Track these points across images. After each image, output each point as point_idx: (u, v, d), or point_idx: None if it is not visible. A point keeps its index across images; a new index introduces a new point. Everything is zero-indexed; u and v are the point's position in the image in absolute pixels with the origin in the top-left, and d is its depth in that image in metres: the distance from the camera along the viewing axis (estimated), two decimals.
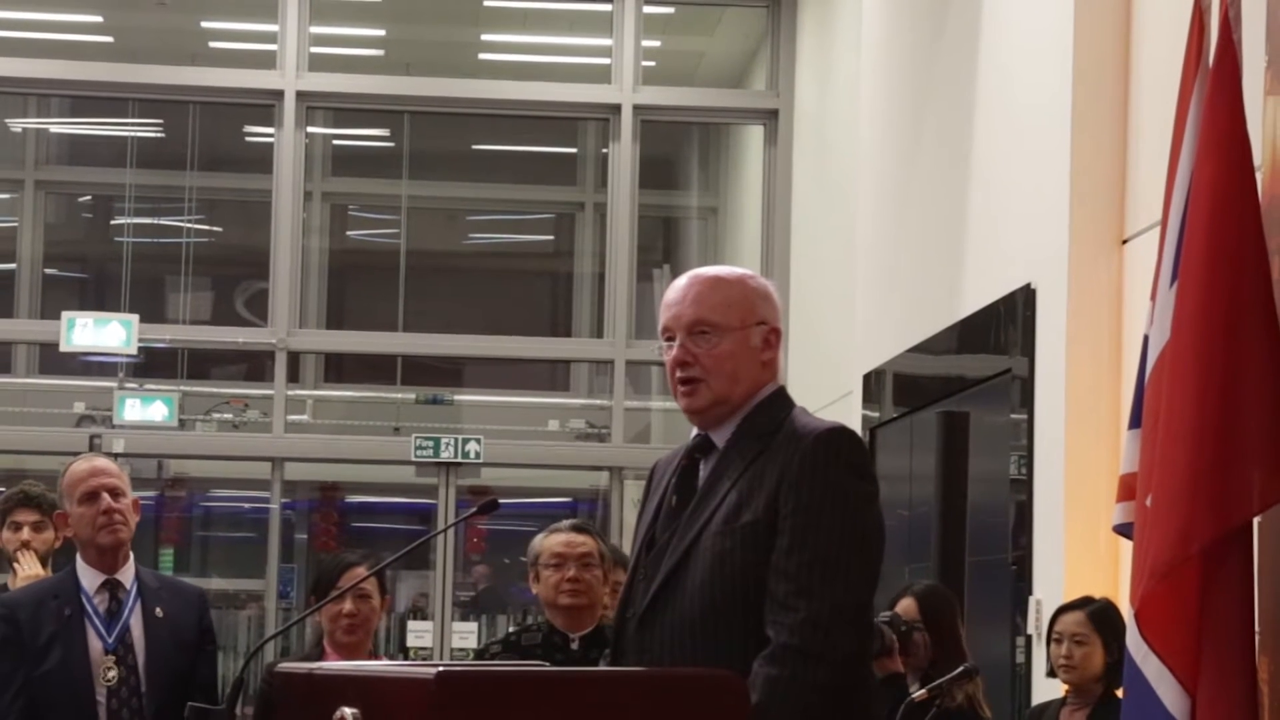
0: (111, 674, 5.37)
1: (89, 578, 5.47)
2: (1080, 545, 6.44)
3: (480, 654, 6.31)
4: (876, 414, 9.44)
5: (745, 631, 3.50)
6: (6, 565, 6.35)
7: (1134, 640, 4.31)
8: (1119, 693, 5.83)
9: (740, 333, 3.68)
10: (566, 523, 5.66)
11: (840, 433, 3.62)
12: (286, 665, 4.44)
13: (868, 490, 3.62)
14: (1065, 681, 5.96)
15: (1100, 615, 5.97)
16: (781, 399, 3.72)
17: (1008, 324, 7.41)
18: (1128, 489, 4.57)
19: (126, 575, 5.46)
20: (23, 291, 15.24)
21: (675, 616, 3.61)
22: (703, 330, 3.67)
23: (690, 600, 3.59)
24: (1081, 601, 6.09)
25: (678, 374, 3.68)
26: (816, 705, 3.42)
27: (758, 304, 3.72)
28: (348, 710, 3.33)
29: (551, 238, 17.17)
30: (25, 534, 6.22)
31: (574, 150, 15.78)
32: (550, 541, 5.53)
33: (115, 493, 5.51)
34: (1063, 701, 6.00)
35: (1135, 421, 4.54)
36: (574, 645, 5.44)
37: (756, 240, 13.82)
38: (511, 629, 6.26)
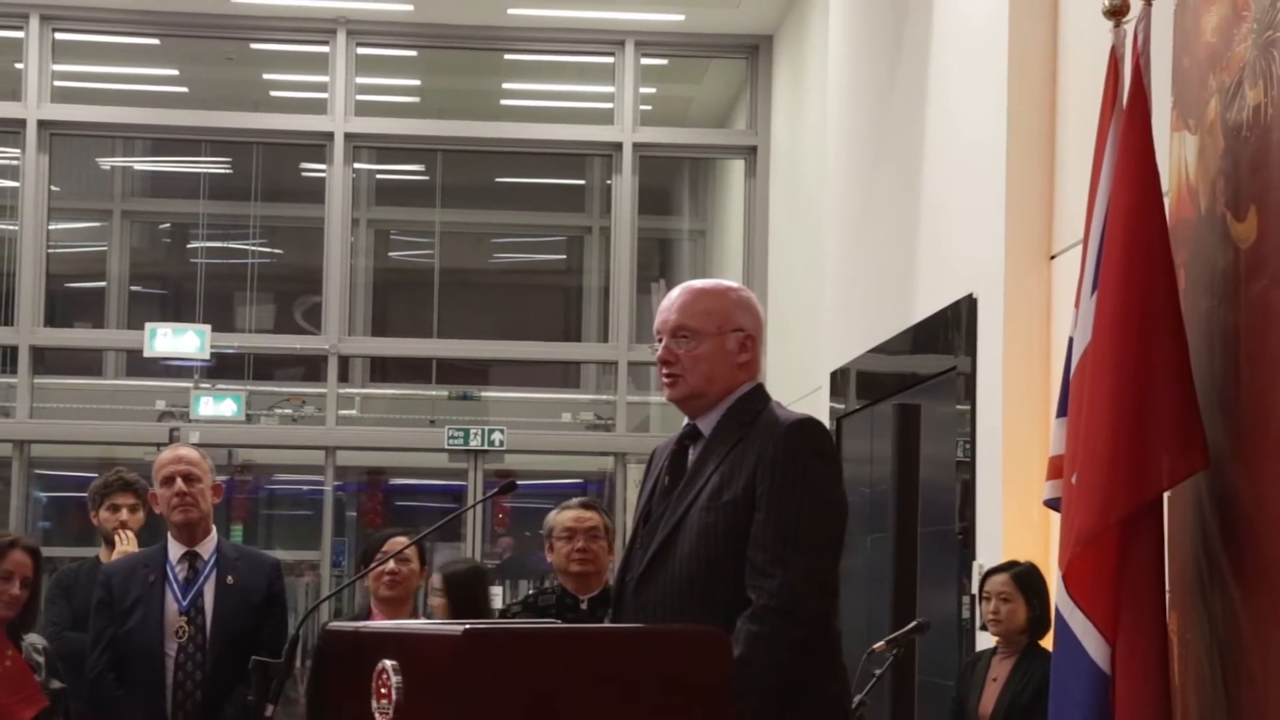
0: (183, 632, 5.37)
1: (174, 549, 5.50)
2: (1016, 517, 6.43)
3: (503, 613, 6.28)
4: (842, 406, 9.43)
5: (727, 594, 3.49)
6: (103, 541, 6.35)
7: (1062, 598, 4.30)
8: (1042, 642, 5.85)
9: (717, 338, 3.68)
10: (576, 500, 5.64)
11: (808, 423, 3.62)
12: (337, 624, 4.44)
13: (832, 472, 3.62)
14: (994, 634, 5.94)
15: (1023, 577, 5.95)
16: (759, 394, 3.72)
17: (953, 328, 7.40)
18: (1056, 469, 4.56)
19: (206, 547, 5.49)
20: (112, 306, 15.24)
21: (667, 581, 3.61)
22: (684, 334, 3.69)
23: (679, 567, 3.59)
24: (1007, 565, 6.07)
25: (663, 369, 3.72)
26: (791, 658, 3.41)
27: (735, 313, 3.72)
28: (388, 662, 3.33)
29: (563, 257, 17.16)
30: (123, 515, 6.21)
31: (582, 182, 15.77)
32: (562, 517, 5.52)
33: (189, 478, 5.52)
34: (993, 651, 5.98)
35: (1062, 411, 4.54)
36: (583, 606, 5.42)
37: (739, 257, 13.81)
38: (530, 592, 6.23)
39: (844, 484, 3.69)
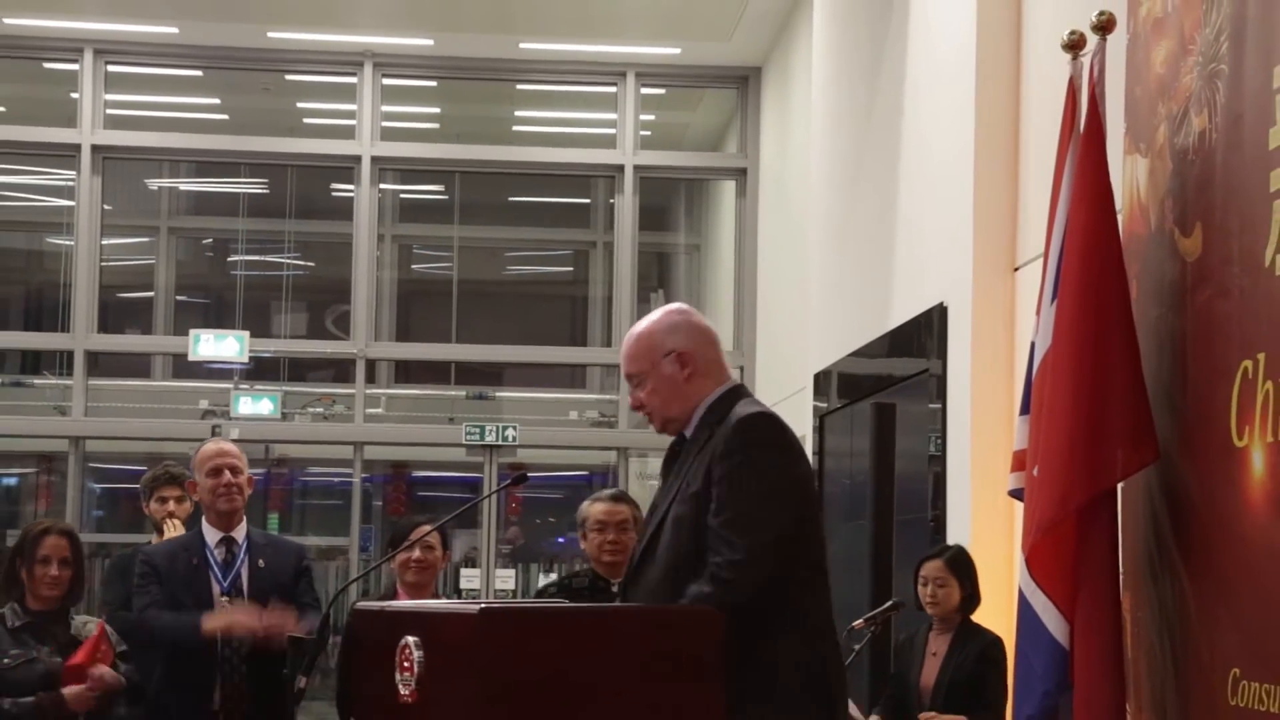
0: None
1: (211, 535, 5.48)
2: (983, 506, 6.42)
3: (540, 593, 6.23)
4: (825, 404, 9.42)
5: (698, 573, 3.48)
6: (152, 529, 6.36)
7: (1025, 580, 4.30)
8: (973, 618, 5.85)
9: (654, 371, 3.70)
10: (608, 492, 5.56)
11: (756, 417, 3.59)
12: (365, 604, 4.44)
13: (780, 459, 3.57)
14: (932, 614, 5.91)
15: (955, 561, 5.91)
16: (733, 395, 3.69)
17: (926, 333, 7.39)
18: (1019, 462, 4.56)
19: (240, 534, 5.48)
20: (159, 314, 15.24)
21: (653, 568, 3.63)
22: (634, 379, 3.75)
23: (660, 556, 3.62)
24: (940, 550, 6.04)
25: (639, 413, 3.81)
26: (732, 617, 3.36)
27: (663, 341, 3.71)
28: (410, 638, 3.33)
29: (570, 269, 17.16)
30: (171, 505, 6.22)
31: (587, 200, 15.76)
32: (595, 509, 5.42)
33: (234, 470, 5.53)
34: (929, 627, 5.95)
35: (1025, 409, 4.54)
36: (614, 589, 5.36)
37: (730, 270, 13.81)
38: (561, 575, 6.17)
39: (801, 468, 3.64)
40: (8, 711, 5.09)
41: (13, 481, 14.99)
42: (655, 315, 3.78)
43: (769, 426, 3.60)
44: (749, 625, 3.44)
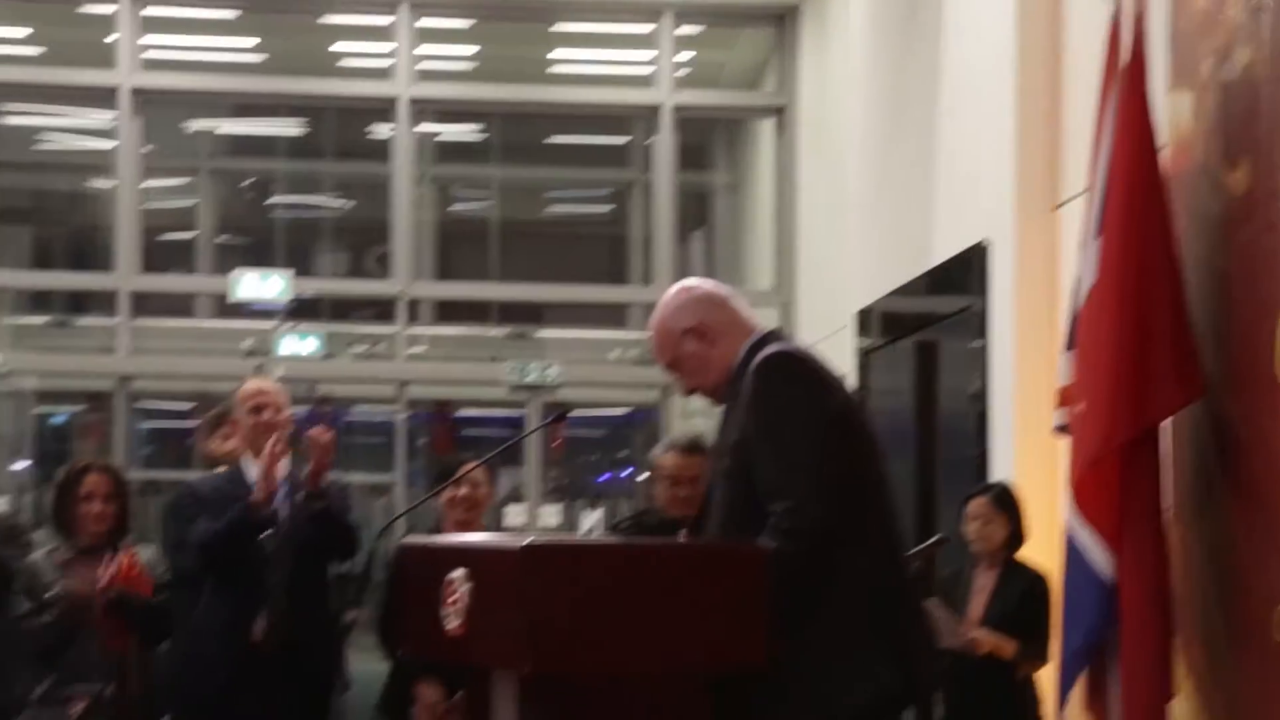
0: (270, 543, 5.42)
1: (252, 471, 5.52)
2: (1027, 443, 6.43)
3: (613, 528, 6.23)
4: (868, 343, 9.41)
5: (751, 521, 3.51)
6: (203, 466, 6.40)
7: (1071, 515, 4.31)
8: (1017, 556, 5.85)
9: (681, 355, 3.77)
10: (682, 440, 5.48)
11: (769, 358, 3.62)
12: (412, 539, 4.48)
13: (802, 393, 3.57)
14: (976, 552, 5.91)
15: (1001, 497, 5.91)
16: (758, 344, 3.70)
17: (968, 271, 7.38)
18: (1064, 397, 4.57)
19: (282, 469, 5.50)
20: (202, 254, 15.31)
21: (712, 523, 3.71)
22: (670, 370, 3.83)
23: (716, 510, 3.69)
24: (985, 487, 6.04)
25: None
26: (795, 565, 3.41)
27: (675, 325, 3.77)
28: (459, 571, 3.36)
29: (611, 208, 17.13)
30: (231, 444, 6.25)
31: (626, 140, 15.71)
32: (666, 461, 5.34)
33: (277, 407, 5.57)
34: (973, 564, 5.96)
35: (1070, 344, 4.53)
36: (683, 529, 5.28)
37: (769, 209, 13.77)
38: (636, 511, 6.12)
39: (832, 397, 3.62)
40: (38, 626, 5.16)
41: (62, 420, 15.13)
42: (664, 301, 3.84)
43: (785, 364, 3.62)
44: (813, 556, 3.46)
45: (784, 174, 13.47)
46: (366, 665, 5.98)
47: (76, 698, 5.18)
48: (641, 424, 14.81)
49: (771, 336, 3.75)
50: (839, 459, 3.53)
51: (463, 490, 5.53)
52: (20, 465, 14.06)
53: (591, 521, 13.86)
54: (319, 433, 5.34)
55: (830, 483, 3.49)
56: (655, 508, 5.51)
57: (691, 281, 3.89)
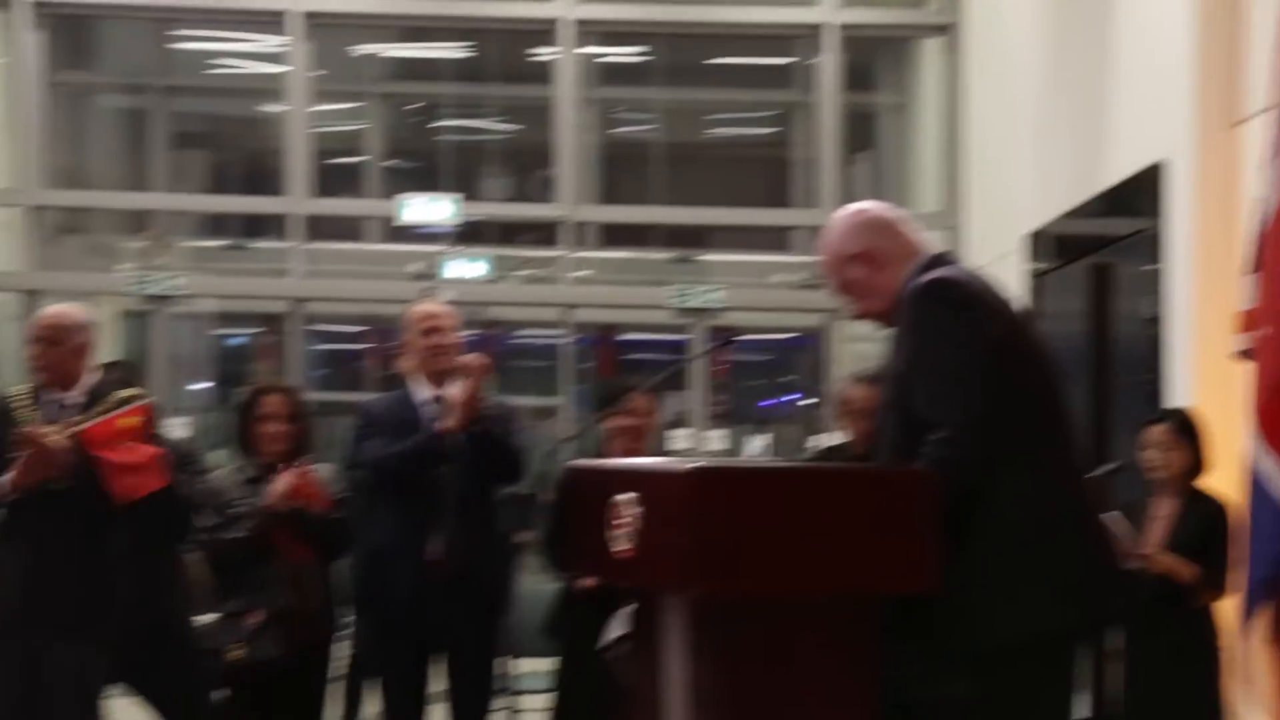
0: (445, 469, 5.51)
1: (422, 392, 5.62)
2: (1205, 368, 6.31)
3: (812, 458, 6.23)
4: (1039, 266, 9.27)
5: (916, 451, 3.47)
6: (373, 387, 6.49)
7: (1254, 442, 4.21)
8: (1196, 484, 5.73)
9: (848, 280, 3.75)
10: (868, 374, 5.46)
11: (925, 285, 3.56)
12: (579, 461, 4.52)
13: (960, 318, 3.51)
14: (1155, 479, 5.81)
15: (1182, 425, 5.81)
16: (919, 272, 3.65)
17: (1144, 192, 7.23)
18: (1247, 321, 4.44)
19: (449, 391, 5.59)
20: (371, 178, 15.51)
21: (883, 442, 3.69)
22: (841, 294, 3.83)
23: (884, 438, 3.67)
24: (1165, 414, 5.93)
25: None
26: (949, 498, 3.37)
27: (840, 252, 3.76)
28: (628, 494, 3.38)
29: (775, 130, 17.00)
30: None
31: (790, 60, 15.55)
32: (854, 394, 5.38)
33: (443, 330, 5.65)
34: (1154, 491, 5.86)
35: (1254, 267, 4.41)
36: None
37: (936, 130, 13.55)
38: (834, 444, 6.13)
39: (995, 322, 3.54)
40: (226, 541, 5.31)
41: (239, 342, 15.49)
42: (832, 224, 3.82)
43: (941, 289, 3.55)
44: (980, 481, 3.43)
45: (951, 94, 13.25)
46: (535, 586, 6.06)
47: (254, 611, 5.32)
48: (806, 349, 14.74)
49: (938, 260, 3.69)
50: (1003, 385, 3.46)
51: (628, 419, 5.55)
52: (200, 386, 14.43)
53: (757, 446, 13.85)
54: (473, 358, 5.42)
55: (991, 410, 3.43)
56: (845, 444, 5.49)
57: (861, 205, 3.85)
